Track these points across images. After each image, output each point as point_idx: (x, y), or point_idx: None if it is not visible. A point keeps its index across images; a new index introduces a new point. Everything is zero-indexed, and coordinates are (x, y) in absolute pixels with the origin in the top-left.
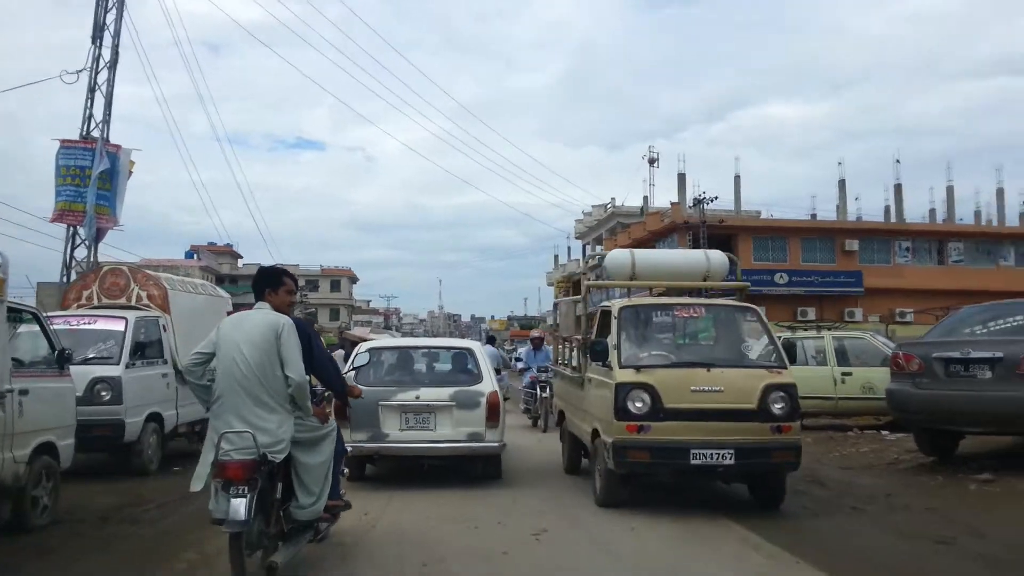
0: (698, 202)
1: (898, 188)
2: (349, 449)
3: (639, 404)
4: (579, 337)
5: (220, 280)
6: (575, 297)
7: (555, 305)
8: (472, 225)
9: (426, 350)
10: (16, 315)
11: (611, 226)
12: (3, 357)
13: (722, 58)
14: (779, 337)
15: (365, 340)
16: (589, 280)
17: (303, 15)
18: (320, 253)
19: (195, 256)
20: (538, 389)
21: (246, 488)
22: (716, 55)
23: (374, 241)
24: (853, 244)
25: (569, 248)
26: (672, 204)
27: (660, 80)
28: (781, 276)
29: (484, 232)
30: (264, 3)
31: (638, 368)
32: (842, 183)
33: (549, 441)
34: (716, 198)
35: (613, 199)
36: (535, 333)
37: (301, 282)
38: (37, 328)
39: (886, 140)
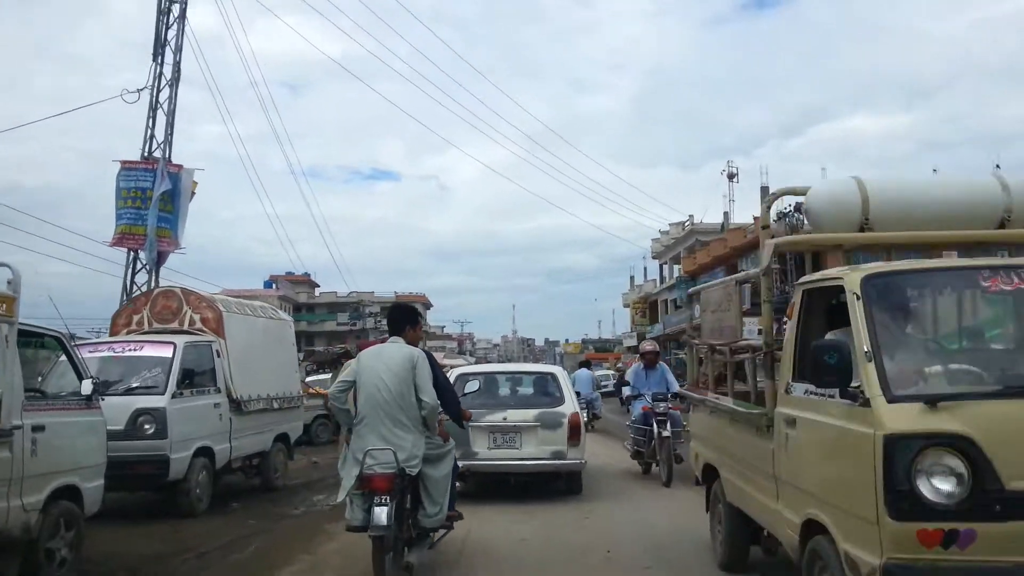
0: (783, 215)
1: None
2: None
3: (946, 484)
4: (753, 341)
5: (298, 308)
6: (748, 272)
7: (690, 296)
8: (544, 249)
9: (511, 375)
10: (37, 340)
11: (690, 244)
12: (11, 388)
13: (795, 71)
14: None
15: (443, 365)
16: (776, 235)
17: (374, 49)
18: (395, 281)
19: (274, 285)
20: (655, 424)
21: (388, 498)
22: (789, 68)
23: (448, 268)
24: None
25: (645, 269)
26: (755, 218)
27: (733, 96)
28: None
29: (557, 255)
30: (340, 39)
31: (931, 401)
32: None
33: (670, 500)
34: (799, 210)
35: (691, 216)
36: (647, 345)
37: (376, 309)
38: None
39: (971, 149)
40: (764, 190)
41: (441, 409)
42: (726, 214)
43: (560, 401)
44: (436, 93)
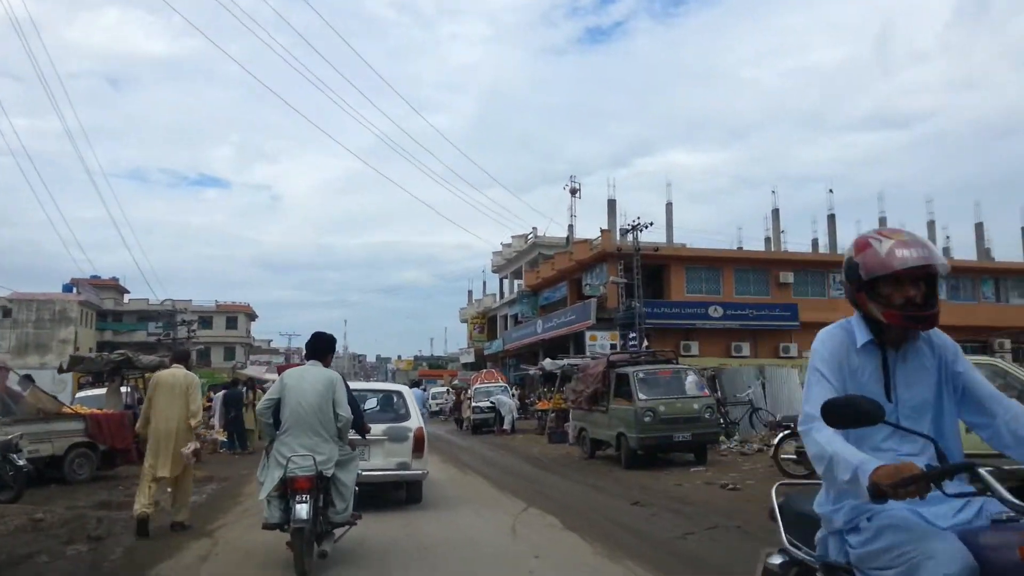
0: (633, 228)
1: (831, 219)
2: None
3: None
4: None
5: (103, 315)
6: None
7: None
8: (378, 265)
9: (361, 392)
10: None
11: (532, 257)
12: None
13: (624, 105)
14: None
15: (262, 379)
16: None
17: (207, 50)
18: (222, 292)
19: (74, 290)
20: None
21: (308, 496)
22: (618, 102)
23: (278, 280)
24: (788, 276)
25: (485, 283)
26: (603, 231)
27: (565, 125)
28: (715, 309)
29: (391, 272)
30: (170, 36)
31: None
32: (775, 213)
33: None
34: (652, 224)
35: (535, 229)
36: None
37: (192, 318)
38: None
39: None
40: (611, 203)
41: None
42: (571, 227)
43: (406, 417)
44: (271, 101)
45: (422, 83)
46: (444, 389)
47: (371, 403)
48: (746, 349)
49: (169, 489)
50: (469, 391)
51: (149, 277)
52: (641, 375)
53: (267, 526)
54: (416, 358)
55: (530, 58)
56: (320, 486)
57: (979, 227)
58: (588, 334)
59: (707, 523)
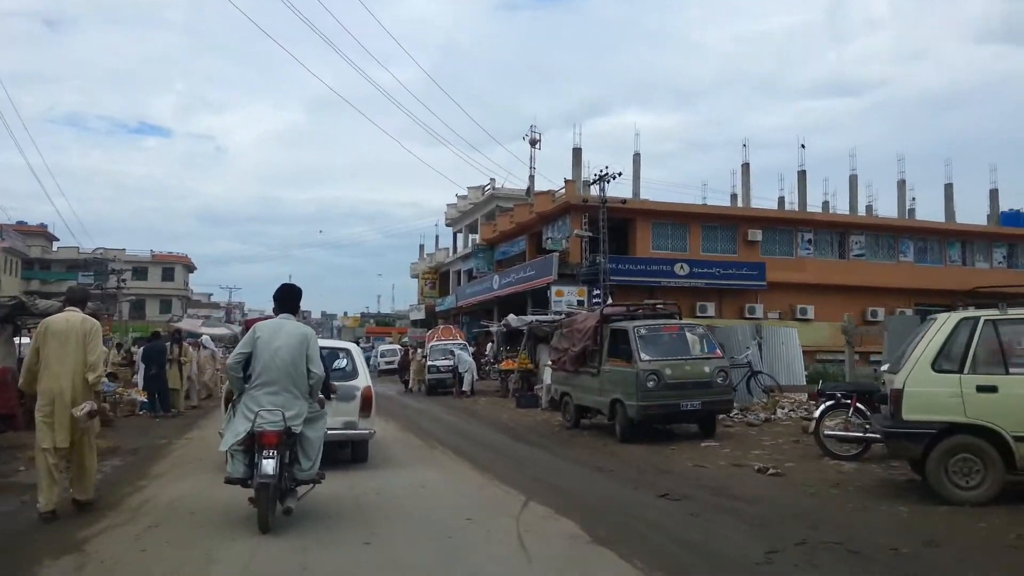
0: (600, 178)
1: (802, 175)
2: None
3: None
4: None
5: (28, 264)
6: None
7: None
8: (325, 221)
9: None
10: None
11: (489, 210)
12: None
13: (579, 64)
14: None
15: (195, 333)
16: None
17: None
18: (161, 244)
19: None
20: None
21: (275, 452)
22: (573, 61)
23: (220, 233)
24: (756, 234)
25: (437, 237)
26: (567, 181)
27: (519, 83)
28: (681, 267)
29: (338, 228)
30: None
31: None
32: (746, 167)
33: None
34: (620, 174)
35: (492, 180)
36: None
37: (125, 268)
38: None
39: (728, 151)
40: (576, 152)
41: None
42: (532, 177)
43: (354, 375)
44: (217, 49)
45: (374, 35)
46: (394, 346)
47: None
48: (711, 309)
49: (68, 462)
50: (425, 348)
51: (83, 228)
52: (643, 331)
53: (229, 480)
54: (363, 315)
55: (483, 13)
56: (288, 442)
57: (948, 188)
58: (553, 289)
59: (788, 534)
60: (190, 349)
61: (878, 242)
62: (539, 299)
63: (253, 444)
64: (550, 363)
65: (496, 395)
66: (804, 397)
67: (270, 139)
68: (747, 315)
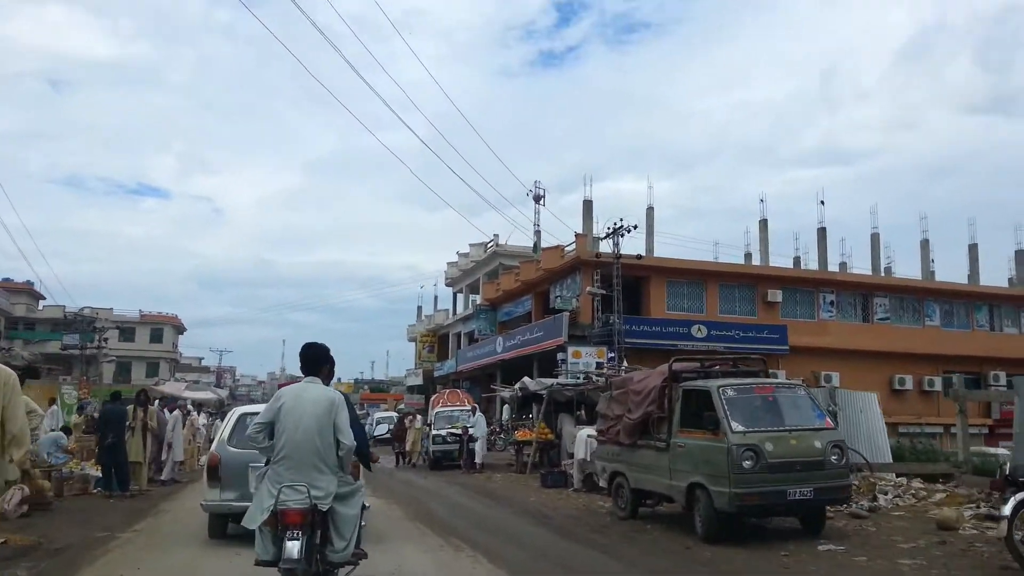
0: (614, 231)
1: (821, 232)
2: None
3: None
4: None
5: (12, 324)
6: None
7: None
8: (320, 285)
9: None
10: None
11: (492, 268)
12: None
13: (573, 131)
14: None
15: (176, 396)
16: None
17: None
18: (156, 306)
19: None
20: None
21: (299, 532)
22: (568, 127)
23: (215, 297)
24: (776, 295)
25: (436, 298)
26: (577, 236)
27: (516, 149)
28: (699, 329)
29: (333, 292)
30: (116, 40)
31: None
32: (763, 223)
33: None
34: (636, 227)
35: (496, 236)
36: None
37: (109, 326)
38: None
39: (724, 219)
40: (587, 204)
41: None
42: (538, 233)
43: None
44: (217, 110)
45: (374, 99)
46: (391, 414)
47: None
48: None
49: None
50: (429, 415)
51: (71, 288)
52: (730, 393)
53: (260, 563)
54: (357, 381)
55: (482, 78)
56: (315, 521)
57: (973, 248)
58: (570, 350)
59: None
60: (162, 413)
61: (903, 305)
62: (547, 363)
63: (278, 523)
64: (596, 434)
65: (510, 470)
66: (893, 476)
67: (267, 201)
68: None
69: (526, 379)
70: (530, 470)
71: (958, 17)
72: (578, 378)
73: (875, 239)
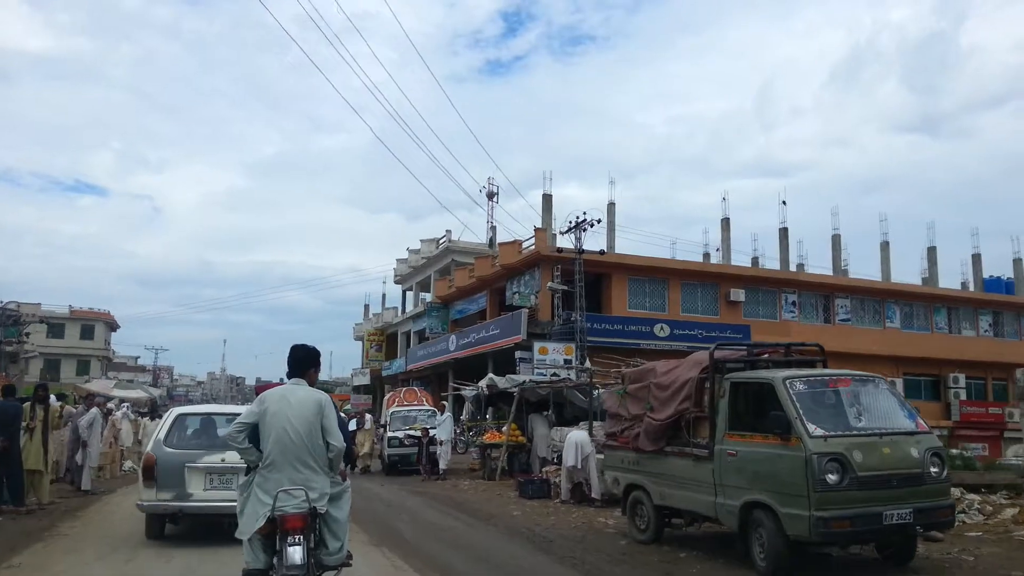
0: (576, 225)
1: (783, 232)
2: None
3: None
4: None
5: None
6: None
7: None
8: (262, 285)
9: (231, 415)
10: None
11: (444, 264)
12: None
13: (520, 138)
14: None
15: (106, 395)
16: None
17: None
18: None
19: None
20: None
21: (301, 536)
22: (514, 135)
23: (154, 297)
24: (739, 294)
25: (384, 296)
26: (536, 230)
27: (463, 154)
28: (662, 328)
29: (276, 294)
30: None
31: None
32: (726, 222)
33: None
34: (599, 221)
35: (448, 232)
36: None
37: (37, 324)
38: None
39: (663, 226)
40: (547, 199)
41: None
42: (494, 228)
43: None
44: (157, 107)
45: (322, 102)
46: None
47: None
48: None
49: None
50: (383, 416)
51: (7, 286)
52: (800, 386)
53: (251, 572)
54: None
55: (431, 85)
56: (313, 525)
57: (932, 251)
58: (537, 346)
59: None
60: (74, 410)
61: (863, 306)
62: (503, 361)
63: (271, 530)
64: (604, 439)
65: (474, 475)
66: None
67: (209, 200)
68: None
69: (493, 376)
70: (500, 476)
71: (889, 42)
72: (545, 375)
73: (836, 240)
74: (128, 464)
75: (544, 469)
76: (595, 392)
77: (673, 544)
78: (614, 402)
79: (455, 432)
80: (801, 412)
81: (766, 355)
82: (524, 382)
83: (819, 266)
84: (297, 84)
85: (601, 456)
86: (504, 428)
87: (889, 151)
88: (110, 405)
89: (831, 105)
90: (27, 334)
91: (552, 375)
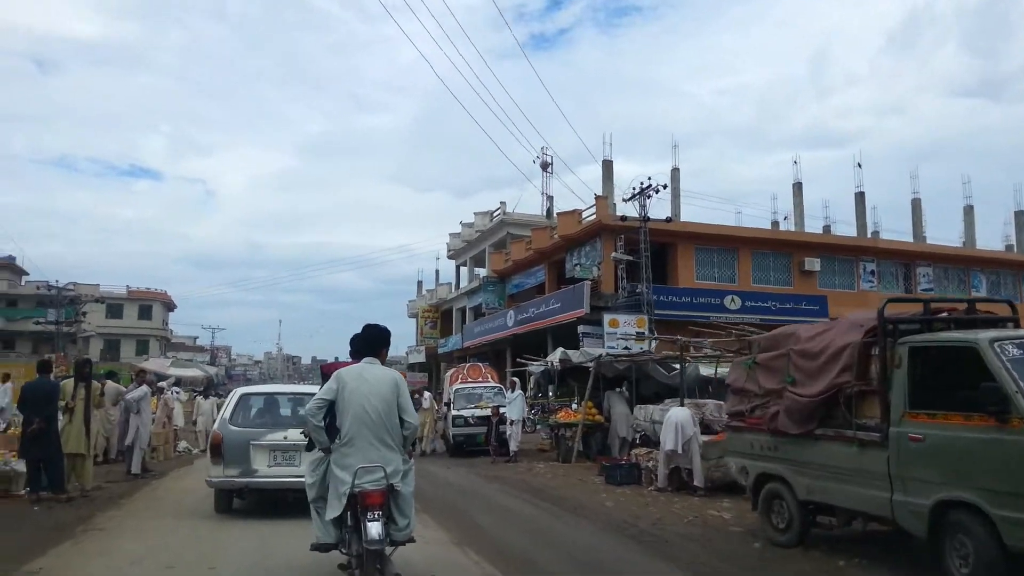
0: (640, 191)
1: (859, 197)
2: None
3: None
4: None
5: None
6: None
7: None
8: (313, 266)
9: (293, 395)
10: None
11: (500, 238)
12: None
13: (566, 113)
14: None
15: (162, 374)
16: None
17: (140, 36)
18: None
19: None
20: None
21: (380, 512)
22: (564, 109)
23: (208, 278)
24: (814, 263)
25: (437, 272)
26: (597, 198)
27: (510, 131)
28: (732, 299)
29: (326, 274)
30: (103, 20)
31: None
32: (798, 187)
33: None
34: (665, 186)
35: (503, 204)
36: None
37: (101, 307)
38: None
39: (714, 201)
40: (607, 165)
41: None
42: (551, 198)
43: None
44: (206, 91)
45: (364, 80)
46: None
47: (304, 407)
48: None
49: None
50: (446, 394)
51: (69, 269)
52: (1014, 351)
53: (318, 547)
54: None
55: (475, 59)
56: (389, 501)
57: (1020, 215)
58: (607, 319)
59: None
60: (106, 386)
61: (947, 275)
62: (564, 337)
63: (353, 506)
64: (727, 419)
65: (544, 457)
66: None
67: (259, 182)
68: None
69: (566, 350)
70: (575, 458)
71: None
72: (615, 349)
73: (916, 205)
74: (183, 444)
75: (633, 452)
76: (685, 366)
77: (823, 548)
78: (740, 375)
79: (526, 411)
80: (1022, 384)
81: (946, 312)
82: (600, 356)
83: (890, 236)
84: (339, 64)
85: (705, 438)
86: (573, 406)
87: (947, 117)
88: (161, 384)
89: (887, 72)
90: (84, 313)
91: (624, 348)
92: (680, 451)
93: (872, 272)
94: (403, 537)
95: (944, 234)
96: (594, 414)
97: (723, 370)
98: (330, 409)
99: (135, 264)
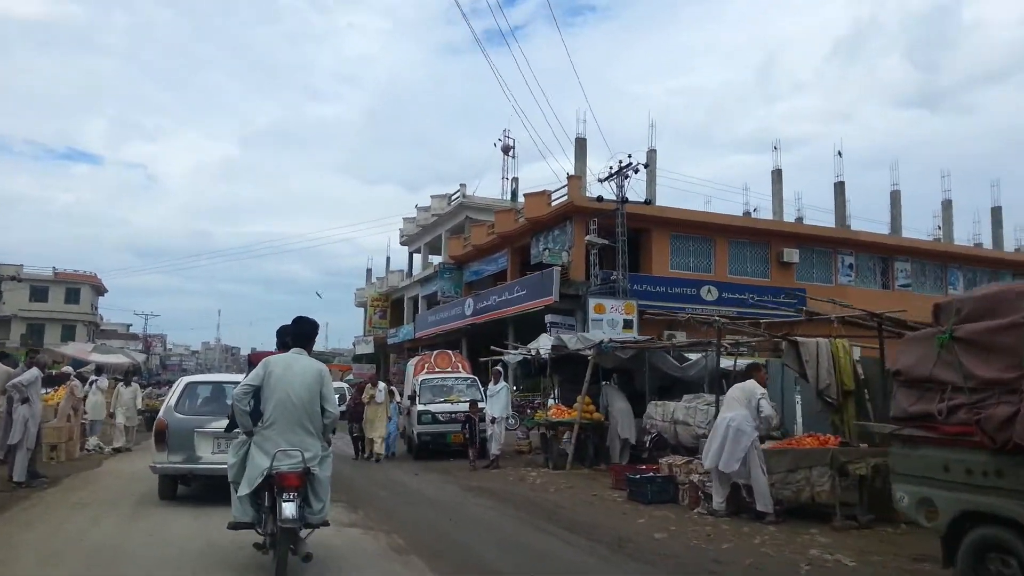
0: (618, 171)
1: (839, 187)
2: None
3: None
4: None
5: None
6: None
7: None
8: (256, 256)
9: (237, 384)
10: None
11: (458, 222)
12: None
13: (528, 108)
14: None
15: (82, 360)
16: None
17: (85, 16)
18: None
19: None
20: None
21: (295, 493)
22: (507, 104)
23: (148, 266)
24: (792, 254)
25: (388, 259)
26: (570, 178)
27: (459, 125)
28: (709, 290)
29: (271, 264)
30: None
31: None
32: (777, 173)
33: None
34: (647, 165)
35: (462, 187)
36: None
37: (23, 288)
38: None
39: (664, 200)
40: (581, 143)
41: None
42: (516, 180)
43: None
44: (152, 74)
45: (316, 71)
46: (339, 384)
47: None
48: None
49: None
50: (411, 386)
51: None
52: None
53: (235, 525)
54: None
55: (428, 55)
56: (306, 483)
57: (996, 211)
58: (592, 303)
59: None
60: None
61: (924, 271)
62: (527, 327)
63: (270, 486)
64: (895, 424)
65: (530, 462)
66: None
67: (203, 170)
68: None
69: (561, 335)
70: (570, 463)
71: (890, 16)
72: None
73: (895, 197)
74: (93, 442)
75: (668, 463)
76: (715, 354)
77: None
78: (919, 357)
79: (510, 407)
80: None
81: None
82: (601, 342)
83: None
84: (290, 54)
85: (765, 446)
86: (550, 402)
87: (891, 126)
88: (81, 370)
89: (833, 79)
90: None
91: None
92: (741, 465)
93: (850, 266)
94: (318, 520)
95: (949, 228)
96: (592, 412)
97: (742, 362)
98: (256, 395)
99: (73, 249)
